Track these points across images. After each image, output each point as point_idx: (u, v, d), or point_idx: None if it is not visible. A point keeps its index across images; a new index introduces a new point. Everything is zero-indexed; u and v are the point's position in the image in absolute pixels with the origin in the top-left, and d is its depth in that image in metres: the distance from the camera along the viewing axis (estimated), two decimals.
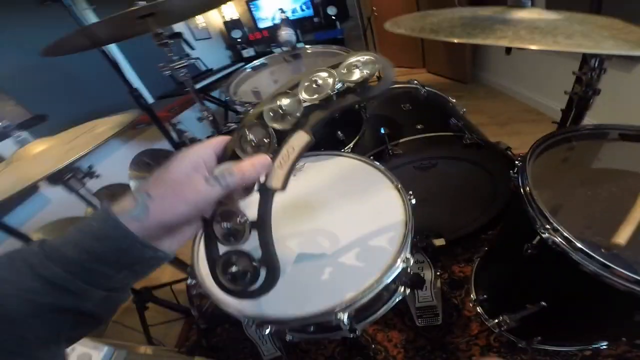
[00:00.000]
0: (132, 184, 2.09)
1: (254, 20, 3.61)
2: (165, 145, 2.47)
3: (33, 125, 1.07)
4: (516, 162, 0.74)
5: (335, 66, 0.36)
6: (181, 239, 0.34)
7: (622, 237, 0.57)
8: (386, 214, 0.67)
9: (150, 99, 2.61)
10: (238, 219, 0.33)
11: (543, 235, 0.60)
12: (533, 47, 0.49)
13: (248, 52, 3.52)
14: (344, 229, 0.67)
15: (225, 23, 3.59)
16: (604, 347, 0.85)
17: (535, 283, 0.79)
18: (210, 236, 0.34)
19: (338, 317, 0.50)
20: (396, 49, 3.94)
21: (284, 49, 1.14)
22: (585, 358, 1.02)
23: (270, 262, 0.34)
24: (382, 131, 1.07)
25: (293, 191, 0.79)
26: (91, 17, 1.95)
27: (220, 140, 0.35)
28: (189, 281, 1.01)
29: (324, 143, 0.90)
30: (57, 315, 0.28)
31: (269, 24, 3.59)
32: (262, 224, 0.33)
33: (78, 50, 1.00)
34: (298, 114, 0.34)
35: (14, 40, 1.60)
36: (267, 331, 0.55)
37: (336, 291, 0.54)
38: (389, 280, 0.54)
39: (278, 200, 0.63)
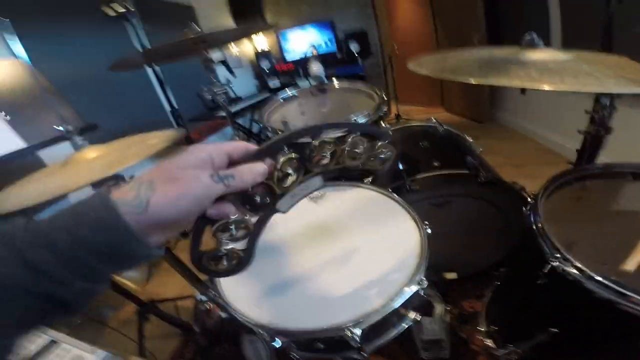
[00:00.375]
0: None
1: (281, 51, 3.84)
2: None
3: (85, 133, 1.15)
4: (529, 199, 0.78)
5: (372, 139, 0.43)
6: (170, 234, 0.33)
7: (632, 264, 0.59)
8: (403, 240, 0.72)
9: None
10: (242, 225, 0.37)
11: (553, 264, 0.63)
12: (542, 88, 0.54)
13: (274, 83, 3.69)
14: (361, 251, 0.71)
15: (257, 53, 3.82)
16: None
17: (546, 312, 0.80)
18: (200, 233, 0.35)
19: (351, 332, 0.53)
20: (415, 87, 4.03)
21: (312, 82, 1.22)
22: None
23: (249, 260, 0.39)
24: (400, 167, 1.12)
25: (314, 216, 0.86)
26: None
27: (239, 146, 0.35)
28: (198, 297, 1.05)
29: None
30: (26, 300, 0.25)
31: (295, 56, 3.80)
32: (257, 233, 0.38)
33: (136, 67, 1.11)
34: (330, 165, 0.41)
35: (76, 52, 1.77)
36: (279, 344, 0.59)
37: (352, 307, 0.58)
38: (403, 300, 0.57)
39: (299, 223, 0.77)
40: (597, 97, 0.89)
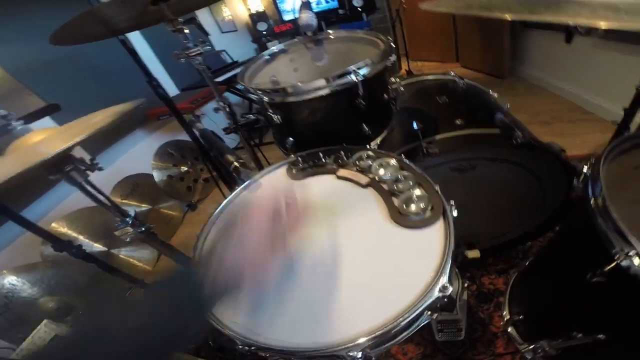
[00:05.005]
0: (155, 175, 2.11)
1: (278, 12, 3.56)
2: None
3: (45, 115, 1.04)
4: (584, 168, 0.61)
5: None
6: None
7: None
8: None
9: (175, 91, 2.62)
10: None
11: (621, 263, 0.47)
12: (622, 26, 0.45)
13: (273, 45, 3.45)
14: (365, 242, 0.55)
15: (251, 15, 3.57)
16: None
17: (595, 313, 0.66)
18: None
19: (349, 355, 0.41)
20: (427, 42, 3.78)
21: (307, 34, 1.04)
22: None
23: None
24: (415, 126, 0.95)
25: (311, 192, 0.69)
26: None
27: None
28: None
29: (348, 138, 0.79)
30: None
31: (292, 16, 3.49)
32: None
33: (93, 38, 0.95)
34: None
35: (29, 29, 1.56)
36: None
37: (353, 321, 0.45)
38: (418, 311, 0.43)
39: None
40: None
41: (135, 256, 1.81)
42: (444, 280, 0.44)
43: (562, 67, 2.51)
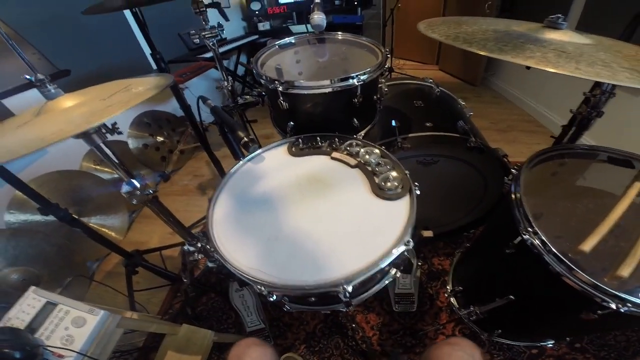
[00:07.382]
0: (130, 142, 2.11)
1: None
2: (167, 108, 2.49)
3: (57, 79, 1.06)
4: (512, 170, 0.82)
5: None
6: None
7: (588, 245, 0.66)
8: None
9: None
10: None
11: (524, 237, 0.68)
12: (555, 71, 0.55)
13: (264, 26, 3.45)
14: (353, 206, 0.74)
15: None
16: (550, 345, 0.96)
17: (508, 279, 0.89)
18: None
19: (344, 288, 0.57)
20: (412, 42, 3.94)
21: (311, 30, 1.14)
22: (532, 356, 1.13)
23: None
24: (394, 123, 1.13)
25: (308, 168, 0.87)
26: None
27: None
28: (186, 247, 1.07)
29: (340, 127, 0.98)
30: None
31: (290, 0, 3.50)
32: None
33: (115, 9, 1.02)
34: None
35: None
36: (274, 298, 0.63)
37: (344, 264, 0.61)
38: (391, 260, 0.60)
39: (293, 173, 0.83)
40: (598, 82, 0.87)
41: (107, 225, 1.79)
42: (407, 237, 0.63)
43: (525, 83, 2.77)
